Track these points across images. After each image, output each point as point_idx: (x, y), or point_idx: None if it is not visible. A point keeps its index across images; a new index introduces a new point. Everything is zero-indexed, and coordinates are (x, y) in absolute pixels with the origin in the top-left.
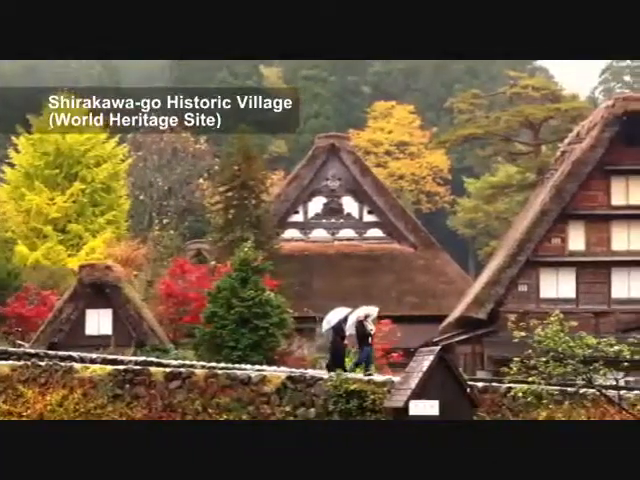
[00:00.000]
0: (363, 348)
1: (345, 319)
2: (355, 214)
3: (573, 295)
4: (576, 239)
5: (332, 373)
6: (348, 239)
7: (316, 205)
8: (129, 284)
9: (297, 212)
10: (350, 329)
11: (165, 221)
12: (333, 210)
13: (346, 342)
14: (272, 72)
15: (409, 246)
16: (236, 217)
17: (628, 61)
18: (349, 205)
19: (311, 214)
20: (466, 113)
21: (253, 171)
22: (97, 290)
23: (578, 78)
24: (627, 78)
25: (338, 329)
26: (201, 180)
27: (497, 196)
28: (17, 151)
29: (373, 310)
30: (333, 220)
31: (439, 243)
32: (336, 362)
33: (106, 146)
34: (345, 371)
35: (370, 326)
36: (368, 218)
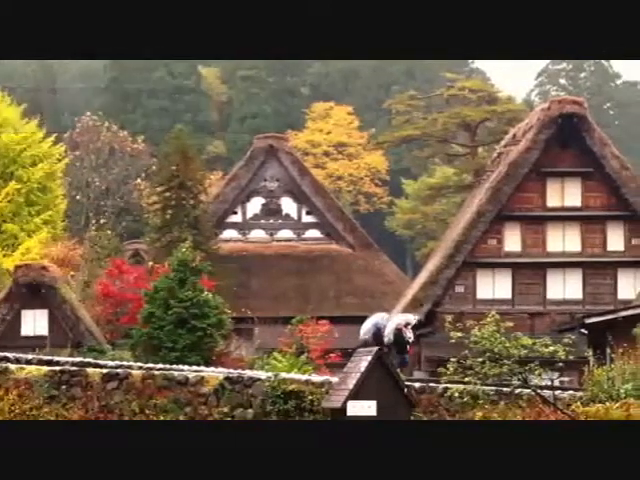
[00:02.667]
0: (400, 357)
1: (384, 326)
2: (293, 215)
3: (509, 296)
4: (512, 240)
5: (270, 373)
6: (286, 240)
7: (254, 206)
8: (65, 284)
9: (235, 213)
10: (388, 337)
11: (102, 221)
12: (271, 211)
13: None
14: (210, 72)
15: (347, 247)
16: (174, 217)
17: (564, 64)
18: (287, 206)
19: (249, 215)
20: (403, 114)
21: (191, 171)
22: (33, 290)
23: (514, 81)
24: (563, 81)
25: (377, 336)
26: (138, 180)
27: (434, 197)
28: None
29: (412, 318)
30: (271, 221)
31: (377, 244)
32: None
33: (42, 145)
34: None
35: (409, 334)
36: (307, 219)
